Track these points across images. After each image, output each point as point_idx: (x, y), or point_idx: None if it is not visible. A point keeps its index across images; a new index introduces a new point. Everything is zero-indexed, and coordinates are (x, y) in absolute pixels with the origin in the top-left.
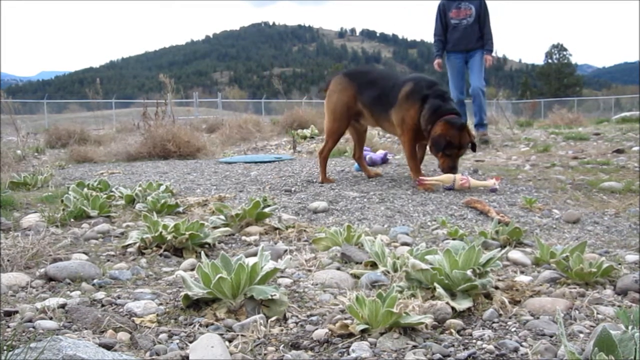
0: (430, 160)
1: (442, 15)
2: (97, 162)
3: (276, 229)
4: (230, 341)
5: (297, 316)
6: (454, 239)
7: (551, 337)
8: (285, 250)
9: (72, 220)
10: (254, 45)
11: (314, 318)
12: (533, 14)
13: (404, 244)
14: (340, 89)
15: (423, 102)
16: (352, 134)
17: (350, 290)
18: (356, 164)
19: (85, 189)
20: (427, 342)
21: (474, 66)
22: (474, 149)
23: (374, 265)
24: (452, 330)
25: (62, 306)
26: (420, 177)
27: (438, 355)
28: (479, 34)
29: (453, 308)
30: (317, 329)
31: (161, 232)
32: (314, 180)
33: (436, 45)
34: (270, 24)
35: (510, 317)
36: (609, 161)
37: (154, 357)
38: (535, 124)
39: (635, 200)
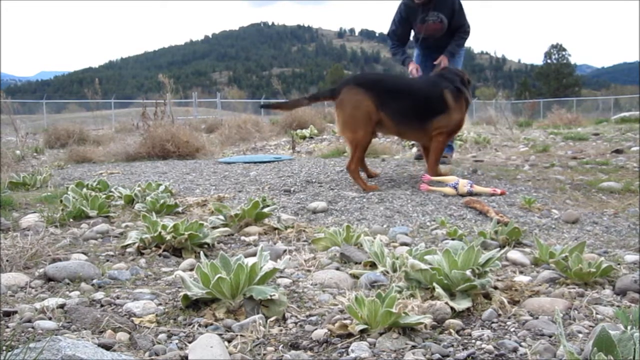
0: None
1: (404, 20)
2: (96, 162)
3: (275, 229)
4: (229, 341)
5: (296, 316)
6: (453, 239)
7: (550, 337)
8: (285, 251)
9: (71, 220)
10: (253, 45)
11: (313, 318)
12: (533, 14)
13: (403, 244)
14: (358, 99)
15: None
16: None
17: (349, 291)
18: None
19: (85, 189)
20: (426, 342)
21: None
22: None
23: (373, 266)
24: (451, 330)
25: (61, 306)
26: (424, 175)
27: (437, 356)
28: (450, 39)
29: (452, 308)
30: (316, 329)
31: (160, 232)
32: (313, 181)
33: (398, 56)
34: (270, 24)
35: (509, 317)
36: (608, 161)
37: (153, 357)
38: (534, 124)
39: (635, 200)
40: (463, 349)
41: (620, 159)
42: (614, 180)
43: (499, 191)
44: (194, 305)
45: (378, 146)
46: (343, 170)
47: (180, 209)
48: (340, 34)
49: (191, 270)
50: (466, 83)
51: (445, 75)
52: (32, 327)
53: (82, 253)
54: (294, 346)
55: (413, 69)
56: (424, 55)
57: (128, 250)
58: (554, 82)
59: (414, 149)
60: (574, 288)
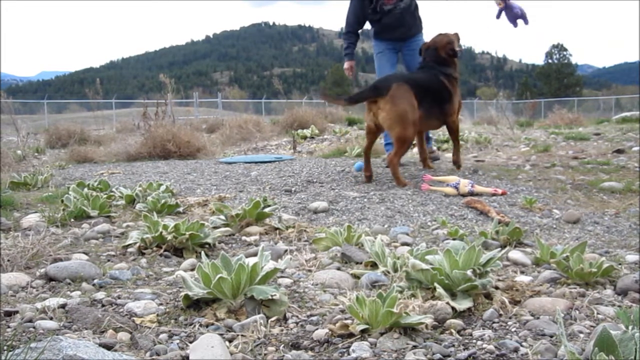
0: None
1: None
2: (97, 162)
3: (276, 229)
4: (230, 341)
5: (297, 316)
6: (454, 239)
7: (551, 337)
8: (286, 251)
9: (72, 220)
10: (254, 45)
11: (314, 318)
12: (533, 14)
13: (404, 244)
14: (408, 96)
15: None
16: (373, 137)
17: (350, 290)
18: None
19: (86, 189)
20: (427, 342)
21: (415, 62)
22: None
23: (374, 266)
24: (453, 330)
25: (63, 306)
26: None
27: (438, 355)
28: (419, 16)
29: (453, 308)
30: (317, 329)
31: (161, 232)
32: (314, 181)
33: (347, 41)
34: (270, 24)
35: (510, 317)
36: (609, 161)
37: (154, 357)
38: (535, 124)
39: (636, 200)
40: (464, 349)
41: (621, 159)
42: (615, 180)
43: (500, 191)
44: (195, 305)
45: (379, 146)
46: (344, 170)
47: (181, 209)
48: (341, 33)
49: (192, 270)
50: (450, 63)
51: (430, 65)
52: (33, 327)
53: (83, 253)
54: (295, 346)
55: (347, 68)
56: (387, 49)
57: (129, 250)
58: (555, 82)
59: (415, 149)
60: (575, 288)
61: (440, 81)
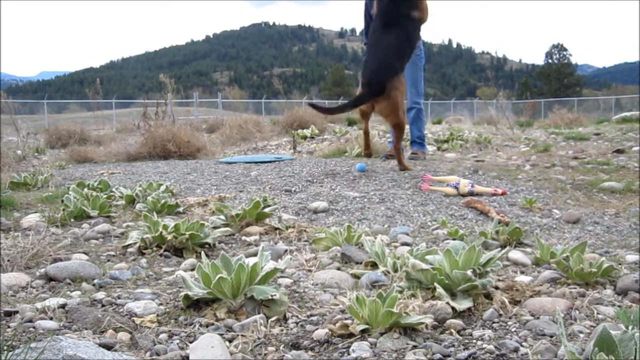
0: (431, 161)
1: (367, 16)
2: (97, 162)
3: (276, 229)
4: (230, 341)
5: (297, 316)
6: (454, 239)
7: (551, 337)
8: (286, 251)
9: (72, 220)
10: (254, 45)
11: (314, 318)
12: (533, 14)
13: (404, 244)
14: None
15: None
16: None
17: (350, 290)
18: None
19: (86, 189)
20: (427, 342)
21: (406, 72)
22: None
23: (374, 266)
24: (452, 330)
25: (62, 306)
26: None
27: (438, 355)
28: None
29: (453, 308)
30: (317, 329)
31: (161, 232)
32: (314, 181)
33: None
34: (270, 24)
35: (510, 317)
36: (609, 161)
37: (154, 357)
38: (535, 124)
39: (636, 200)
40: (464, 349)
41: (621, 159)
42: (615, 180)
43: (500, 191)
44: (195, 305)
45: (379, 146)
46: (344, 170)
47: (181, 209)
48: (341, 34)
49: (192, 270)
50: None
51: None
52: (33, 327)
53: (83, 253)
54: (295, 346)
55: None
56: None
57: (129, 250)
58: (555, 82)
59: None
60: (575, 288)
61: None
